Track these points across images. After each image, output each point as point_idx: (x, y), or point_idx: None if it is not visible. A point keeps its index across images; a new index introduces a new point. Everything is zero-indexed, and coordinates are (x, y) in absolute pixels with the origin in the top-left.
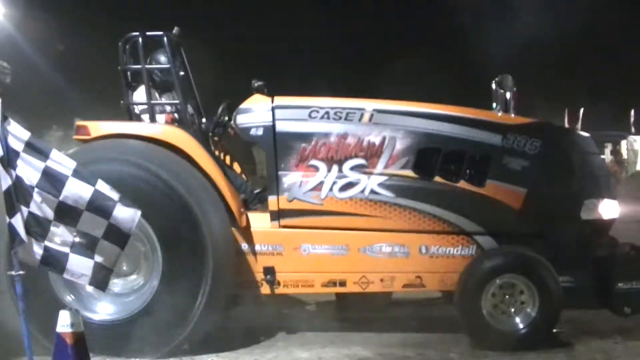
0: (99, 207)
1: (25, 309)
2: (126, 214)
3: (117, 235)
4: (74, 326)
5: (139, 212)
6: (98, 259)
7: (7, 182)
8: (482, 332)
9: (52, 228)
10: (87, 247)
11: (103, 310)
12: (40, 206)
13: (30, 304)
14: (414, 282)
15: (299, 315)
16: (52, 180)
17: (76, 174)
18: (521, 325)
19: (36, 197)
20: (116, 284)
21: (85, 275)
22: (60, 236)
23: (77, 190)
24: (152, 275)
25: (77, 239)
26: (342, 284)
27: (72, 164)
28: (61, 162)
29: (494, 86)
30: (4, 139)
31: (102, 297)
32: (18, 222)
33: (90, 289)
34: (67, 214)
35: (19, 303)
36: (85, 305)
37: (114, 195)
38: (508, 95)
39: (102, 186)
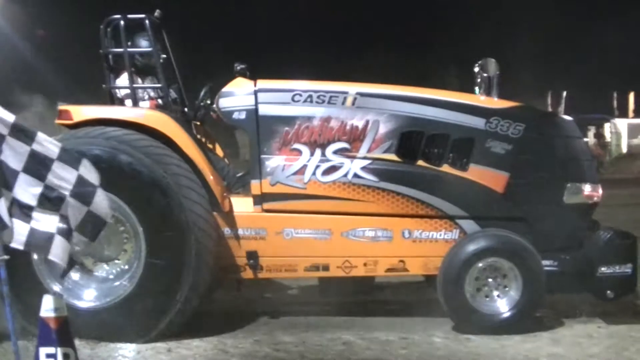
0: (80, 193)
1: (9, 294)
2: (104, 201)
3: (93, 224)
4: (58, 311)
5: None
6: (72, 245)
7: None
8: (466, 316)
9: (36, 212)
10: (67, 232)
11: (88, 296)
12: (25, 190)
13: (15, 290)
14: (397, 266)
15: (282, 299)
16: (37, 164)
17: (61, 157)
18: (505, 309)
19: (21, 180)
20: (101, 269)
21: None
22: (45, 219)
23: (62, 174)
24: (136, 260)
25: (60, 224)
26: (325, 268)
27: (57, 147)
28: (47, 145)
29: (476, 70)
30: None
31: (88, 283)
32: (2, 206)
33: (76, 276)
34: (51, 198)
35: (2, 287)
36: (71, 291)
37: (95, 179)
38: (491, 79)
39: (85, 170)
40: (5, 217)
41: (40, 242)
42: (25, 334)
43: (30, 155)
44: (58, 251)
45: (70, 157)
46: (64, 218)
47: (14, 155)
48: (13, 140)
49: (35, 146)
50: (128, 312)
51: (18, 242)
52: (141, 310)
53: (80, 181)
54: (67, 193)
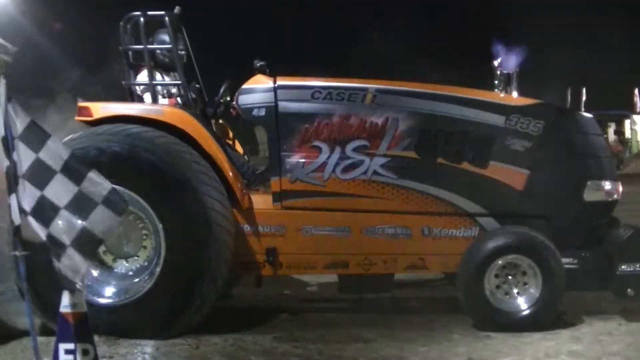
0: (77, 208)
1: (29, 289)
2: (104, 219)
3: (89, 241)
4: (77, 306)
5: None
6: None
7: (6, 162)
8: (485, 313)
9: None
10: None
11: (108, 292)
12: (23, 195)
13: (34, 287)
14: (416, 263)
15: (301, 296)
16: (38, 175)
17: (65, 169)
18: (524, 306)
19: (21, 185)
20: (120, 266)
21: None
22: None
23: (60, 189)
24: (155, 256)
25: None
26: (345, 265)
27: (65, 155)
28: (55, 152)
29: (496, 66)
30: (7, 119)
31: (107, 280)
32: (14, 202)
33: (96, 273)
34: (45, 209)
35: (22, 283)
36: (90, 287)
37: (98, 195)
38: (510, 75)
39: (88, 184)
40: (16, 214)
41: (54, 240)
42: (44, 330)
43: (32, 164)
44: (66, 262)
45: (74, 171)
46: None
47: (23, 159)
48: (22, 144)
49: (41, 154)
50: (147, 308)
51: (37, 238)
52: (160, 306)
53: (79, 196)
54: (61, 206)
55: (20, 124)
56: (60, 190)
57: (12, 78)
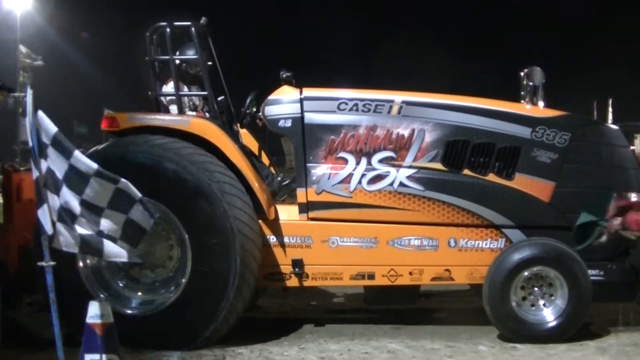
0: (117, 204)
1: (55, 300)
2: (143, 212)
3: (134, 231)
4: (104, 317)
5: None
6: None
7: (35, 173)
8: (512, 325)
9: (80, 218)
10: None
11: (134, 303)
12: (67, 199)
13: (60, 297)
14: (442, 275)
15: (327, 307)
16: (75, 178)
17: (99, 173)
18: (551, 318)
19: (64, 190)
20: (146, 277)
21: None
22: (90, 225)
23: (98, 189)
24: (181, 267)
25: (102, 228)
26: (371, 276)
27: (94, 165)
28: (84, 161)
29: (522, 78)
30: (34, 130)
31: (133, 291)
32: (45, 213)
33: (122, 283)
34: (90, 209)
35: (49, 294)
36: (117, 298)
37: (136, 195)
38: (536, 87)
39: (122, 185)
40: (47, 225)
41: (91, 246)
42: (70, 340)
43: (68, 169)
44: (111, 251)
45: (107, 173)
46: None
47: (57, 165)
48: (54, 150)
49: (73, 160)
50: (173, 319)
51: (73, 249)
52: (187, 317)
53: (118, 194)
54: (104, 205)
55: (50, 132)
56: (98, 192)
57: (39, 90)
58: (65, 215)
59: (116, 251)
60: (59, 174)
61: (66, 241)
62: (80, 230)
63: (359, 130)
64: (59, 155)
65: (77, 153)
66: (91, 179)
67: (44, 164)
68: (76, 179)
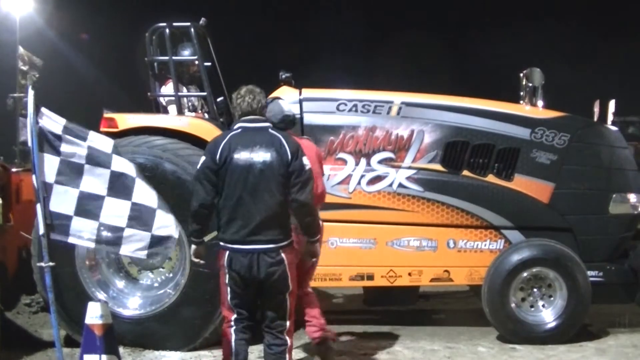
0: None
1: (54, 301)
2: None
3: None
4: (103, 318)
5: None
6: (155, 231)
7: (36, 172)
8: (511, 325)
9: (106, 203)
10: (144, 220)
11: (133, 304)
12: (92, 183)
13: (59, 298)
14: (441, 276)
15: (326, 308)
16: (97, 159)
17: (117, 152)
18: (550, 319)
19: (87, 175)
20: (145, 278)
21: (140, 249)
22: (115, 211)
23: (123, 165)
24: (180, 268)
25: (132, 212)
26: (370, 277)
27: (111, 143)
28: (100, 141)
29: (522, 79)
30: (35, 131)
31: (132, 292)
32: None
33: (121, 284)
34: (119, 189)
35: (47, 294)
36: (116, 299)
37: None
38: (536, 88)
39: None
40: (41, 225)
41: (108, 238)
42: (69, 341)
43: (88, 153)
44: (129, 243)
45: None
46: (137, 207)
47: (75, 153)
48: (70, 137)
49: (90, 143)
50: (172, 320)
51: (86, 243)
52: (185, 318)
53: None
54: (134, 176)
55: (59, 124)
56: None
57: (38, 91)
58: (89, 204)
59: (134, 247)
60: (80, 160)
61: (80, 235)
62: (103, 220)
63: (358, 131)
64: (74, 141)
65: (92, 134)
66: (113, 158)
67: (54, 159)
68: (98, 159)
